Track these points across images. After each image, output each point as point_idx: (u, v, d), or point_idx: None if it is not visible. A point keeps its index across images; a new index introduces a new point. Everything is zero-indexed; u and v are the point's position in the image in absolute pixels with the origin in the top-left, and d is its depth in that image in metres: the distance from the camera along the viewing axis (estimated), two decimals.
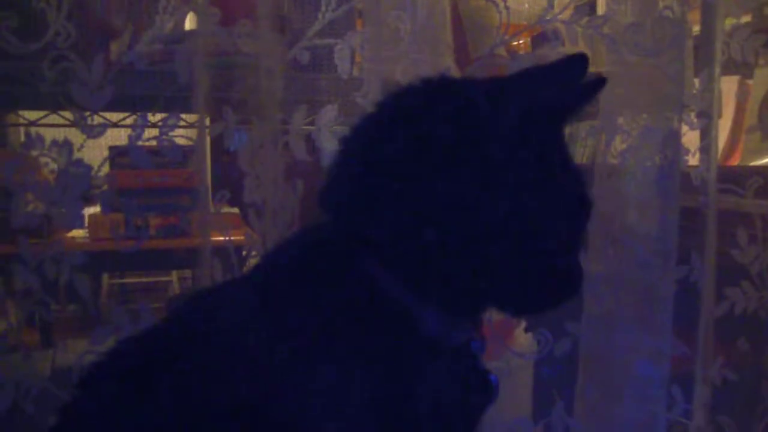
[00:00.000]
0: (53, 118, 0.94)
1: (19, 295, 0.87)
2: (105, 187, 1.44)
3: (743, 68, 1.58)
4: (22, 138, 0.85)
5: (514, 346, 1.01)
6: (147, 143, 0.86)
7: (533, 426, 0.97)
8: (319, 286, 0.43)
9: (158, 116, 0.87)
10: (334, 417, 0.39)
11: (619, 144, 0.95)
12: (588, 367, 0.96)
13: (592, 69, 1.25)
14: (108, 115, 0.88)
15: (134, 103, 0.88)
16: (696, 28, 1.23)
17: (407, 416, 0.42)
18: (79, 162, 0.80)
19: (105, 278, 2.39)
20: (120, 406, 0.42)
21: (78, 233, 1.56)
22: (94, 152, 0.91)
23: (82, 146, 0.81)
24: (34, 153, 0.80)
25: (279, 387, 0.40)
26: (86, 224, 1.52)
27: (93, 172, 0.82)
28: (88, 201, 1.57)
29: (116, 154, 1.46)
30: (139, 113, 0.84)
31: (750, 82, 1.64)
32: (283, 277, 0.46)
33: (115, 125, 0.94)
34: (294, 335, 0.41)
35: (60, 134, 0.83)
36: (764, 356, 1.07)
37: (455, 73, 0.97)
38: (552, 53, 1.08)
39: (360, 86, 0.84)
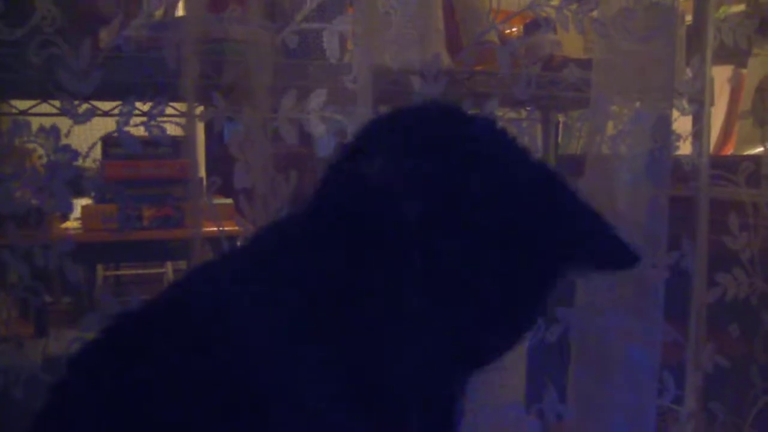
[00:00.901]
0: (43, 107, 0.93)
1: (10, 286, 0.87)
2: (97, 177, 1.44)
3: (737, 58, 1.57)
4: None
5: None
6: (136, 128, 0.86)
7: (525, 413, 0.97)
8: (302, 265, 0.43)
9: (149, 106, 0.87)
10: (317, 390, 0.39)
11: (610, 129, 0.94)
12: (580, 353, 0.96)
13: (583, 55, 1.24)
14: (99, 104, 0.87)
15: (125, 91, 0.88)
16: (689, 18, 1.23)
17: (388, 394, 0.42)
18: (67, 147, 0.80)
19: (99, 270, 2.39)
20: (110, 382, 0.42)
21: (71, 224, 1.56)
22: (85, 143, 0.91)
23: (69, 132, 0.81)
24: (21, 139, 0.79)
25: (265, 360, 0.40)
26: (79, 215, 1.52)
27: (81, 158, 0.82)
28: (81, 192, 1.56)
29: (109, 144, 1.46)
30: (127, 100, 0.84)
31: (744, 71, 1.64)
32: (270, 253, 0.46)
33: (106, 114, 0.94)
34: (274, 309, 0.41)
35: (47, 121, 0.83)
36: (755, 342, 1.07)
37: (445, 59, 0.97)
38: (543, 40, 1.08)
39: (349, 71, 0.83)
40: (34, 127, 0.80)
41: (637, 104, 0.97)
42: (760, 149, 1.45)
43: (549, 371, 1.00)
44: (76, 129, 0.84)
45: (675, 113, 1.01)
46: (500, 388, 1.04)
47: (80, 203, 1.52)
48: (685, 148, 1.02)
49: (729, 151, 1.65)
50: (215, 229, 0.93)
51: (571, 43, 1.18)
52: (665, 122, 0.95)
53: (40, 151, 0.80)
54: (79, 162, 0.82)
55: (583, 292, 0.93)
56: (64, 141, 0.80)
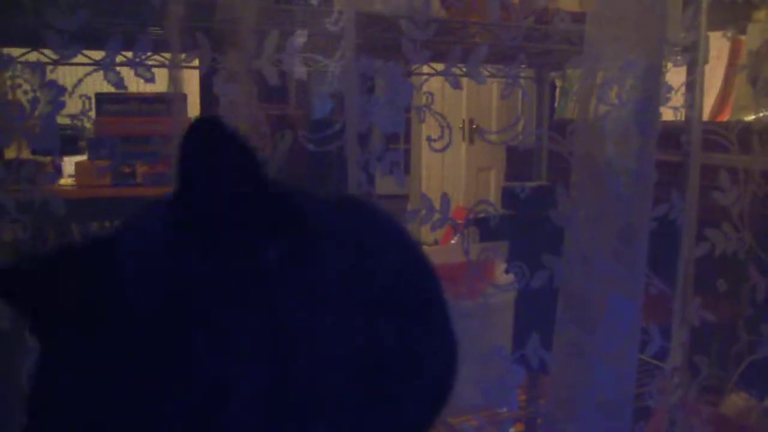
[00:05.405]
0: (36, 56, 0.93)
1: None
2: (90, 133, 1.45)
3: (737, 23, 1.56)
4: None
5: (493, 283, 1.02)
6: (125, 72, 0.86)
7: (510, 357, 0.98)
8: None
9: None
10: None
11: (600, 78, 0.94)
12: (566, 301, 0.96)
13: (580, 7, 1.21)
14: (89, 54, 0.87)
15: (110, 36, 0.88)
16: None
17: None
18: (53, 83, 0.80)
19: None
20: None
21: (65, 181, 1.57)
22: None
23: (54, 68, 0.81)
24: (6, 74, 0.80)
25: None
26: (73, 172, 1.53)
27: (67, 95, 0.82)
28: (75, 150, 1.57)
29: (102, 101, 1.46)
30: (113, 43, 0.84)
31: (743, 37, 1.63)
32: None
33: (97, 63, 0.94)
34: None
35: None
36: (741, 296, 1.07)
37: (435, 4, 0.96)
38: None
39: (332, 14, 0.83)
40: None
41: (629, 55, 0.97)
42: (761, 114, 1.44)
43: (536, 317, 1.00)
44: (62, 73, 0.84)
45: (668, 65, 1.01)
46: (486, 338, 1.05)
47: (74, 160, 1.53)
48: (676, 99, 1.01)
49: (726, 117, 1.65)
50: None
51: None
52: (655, 72, 0.94)
53: (26, 86, 0.80)
54: (65, 97, 0.82)
55: (569, 240, 0.93)
56: (50, 76, 0.80)
